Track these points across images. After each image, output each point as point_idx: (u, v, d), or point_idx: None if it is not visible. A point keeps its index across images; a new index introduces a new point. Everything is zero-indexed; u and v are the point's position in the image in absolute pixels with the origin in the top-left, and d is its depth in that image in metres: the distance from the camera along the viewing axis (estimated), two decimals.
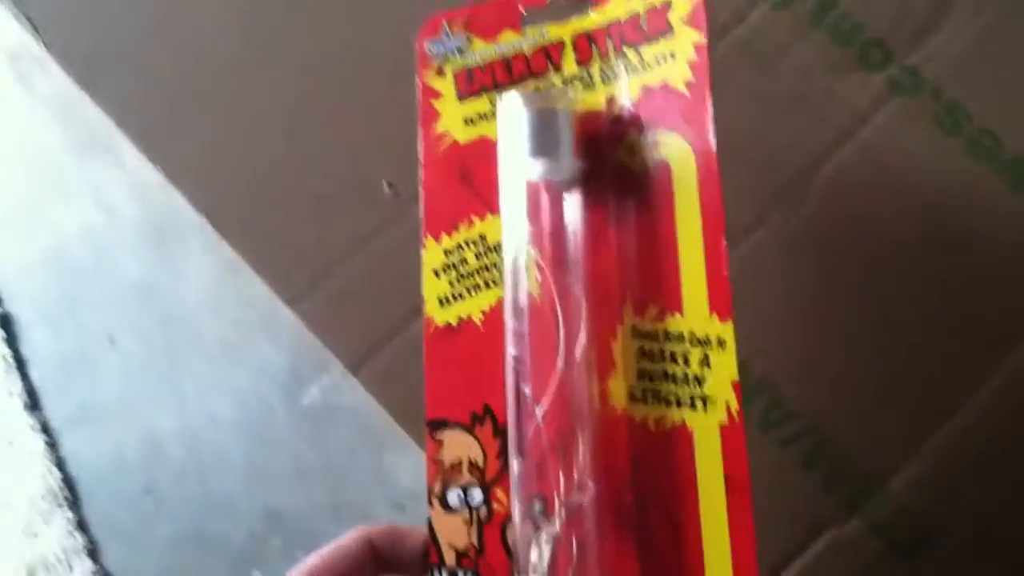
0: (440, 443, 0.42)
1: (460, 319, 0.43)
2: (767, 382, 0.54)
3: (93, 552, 0.83)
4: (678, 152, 0.41)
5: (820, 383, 0.55)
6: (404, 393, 0.53)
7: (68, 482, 0.85)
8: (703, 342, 0.39)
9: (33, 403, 0.87)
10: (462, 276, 0.43)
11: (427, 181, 0.45)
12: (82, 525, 0.84)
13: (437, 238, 0.44)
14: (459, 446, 0.42)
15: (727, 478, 0.38)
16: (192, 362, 0.88)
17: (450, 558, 0.41)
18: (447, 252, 0.43)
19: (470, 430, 0.41)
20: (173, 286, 0.90)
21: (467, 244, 0.43)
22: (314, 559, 0.41)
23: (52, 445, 0.86)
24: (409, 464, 0.82)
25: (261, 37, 0.61)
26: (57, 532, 0.83)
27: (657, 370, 0.40)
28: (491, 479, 0.41)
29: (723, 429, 0.38)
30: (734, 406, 0.38)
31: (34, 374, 0.89)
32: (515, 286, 0.40)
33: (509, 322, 0.41)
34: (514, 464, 0.39)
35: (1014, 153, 0.57)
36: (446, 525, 0.41)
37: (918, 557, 0.53)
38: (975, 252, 0.56)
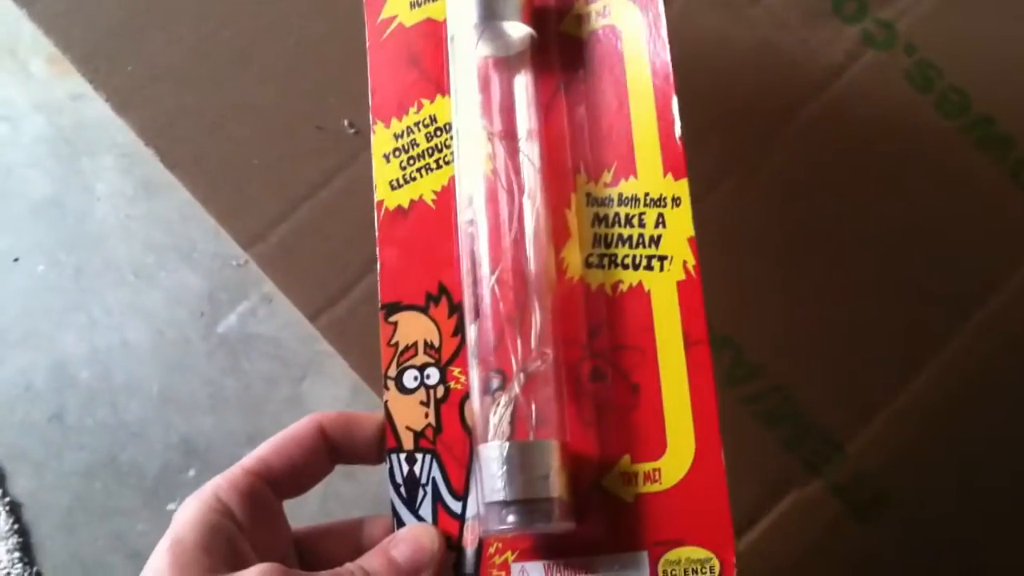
0: (394, 326, 0.41)
1: (412, 201, 0.42)
2: (731, 338, 0.54)
3: (0, 479, 0.80)
4: (626, 17, 0.41)
5: (782, 340, 0.55)
6: (363, 343, 0.52)
7: None
8: (657, 202, 0.39)
9: None
10: (412, 159, 0.42)
11: (373, 67, 0.44)
12: None
13: (387, 123, 0.43)
14: (414, 328, 0.41)
15: (685, 334, 0.38)
16: (102, 285, 0.85)
17: (408, 441, 0.40)
18: (396, 136, 0.43)
19: (424, 311, 0.41)
20: (82, 204, 0.86)
21: (417, 127, 0.42)
22: (264, 448, 0.39)
23: None
24: (327, 393, 0.82)
25: None
26: None
27: (612, 234, 0.40)
28: (447, 358, 0.40)
29: (680, 285, 0.38)
30: (691, 262, 0.38)
31: None
32: (468, 157, 0.40)
33: (461, 189, 0.40)
34: (470, 331, 0.39)
35: (982, 111, 0.57)
36: (402, 407, 0.41)
37: (876, 519, 0.54)
38: (939, 211, 0.56)
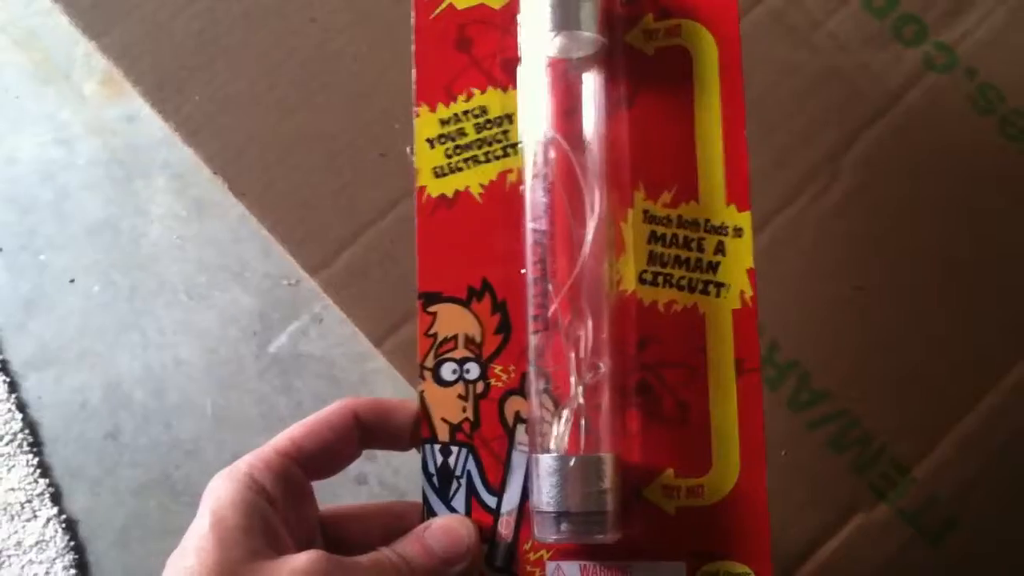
0: (433, 316, 0.41)
1: (457, 191, 0.41)
2: (797, 363, 0.54)
3: (56, 497, 0.82)
4: (699, 40, 0.40)
5: (848, 365, 0.55)
6: None
7: (31, 426, 0.83)
8: (719, 230, 0.39)
9: None
10: (459, 148, 0.42)
11: (419, 47, 0.43)
12: (45, 470, 0.82)
13: (432, 107, 0.42)
14: (454, 320, 0.41)
15: (738, 361, 0.39)
16: (156, 305, 0.86)
17: (443, 432, 0.40)
18: (443, 122, 0.42)
19: (466, 304, 0.41)
20: (137, 225, 0.87)
21: (466, 115, 0.42)
22: (297, 429, 0.40)
23: (13, 388, 0.83)
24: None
25: None
26: (20, 477, 0.81)
27: (669, 254, 0.40)
28: (489, 355, 0.41)
29: (736, 314, 0.39)
30: (748, 293, 0.39)
31: None
32: (535, 162, 0.40)
33: (528, 194, 0.40)
34: (533, 340, 0.39)
35: None
36: (439, 399, 0.41)
37: (943, 544, 0.54)
38: (1008, 235, 0.56)
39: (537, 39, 0.40)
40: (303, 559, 0.34)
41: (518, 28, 0.41)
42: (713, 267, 0.39)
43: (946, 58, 0.57)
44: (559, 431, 0.38)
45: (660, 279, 0.40)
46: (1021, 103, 0.57)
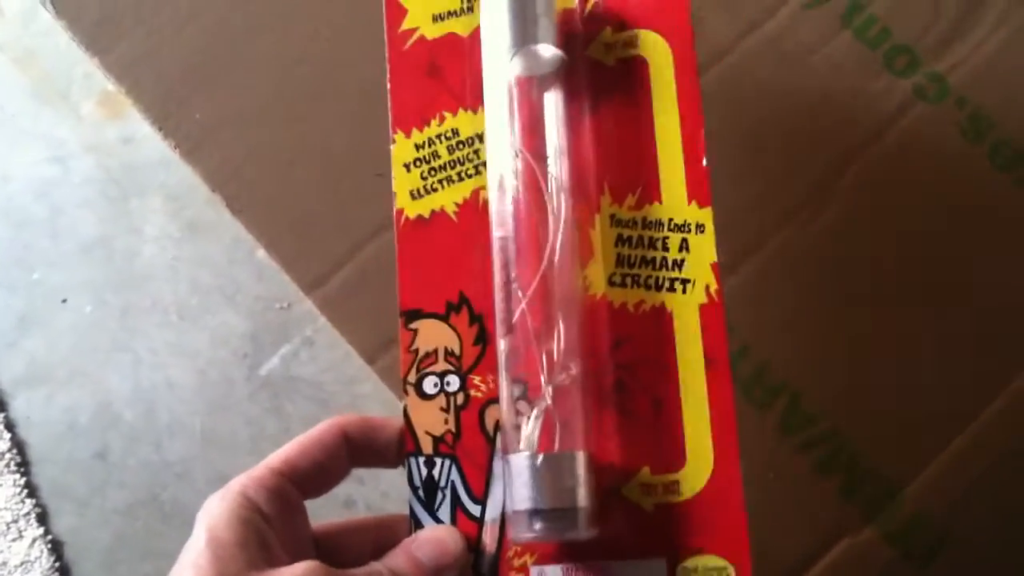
0: (414, 332, 0.42)
1: (433, 211, 0.43)
2: (787, 385, 0.55)
3: (43, 517, 0.81)
4: (654, 48, 0.42)
5: (839, 388, 0.55)
6: None
7: (19, 446, 0.82)
8: (682, 227, 0.41)
9: None
10: (434, 170, 0.43)
11: (393, 77, 0.44)
12: (32, 490, 0.82)
13: (407, 133, 0.44)
14: (434, 335, 0.42)
15: (707, 356, 0.40)
16: (148, 325, 0.86)
17: (427, 445, 0.41)
18: (418, 146, 0.43)
19: (445, 319, 0.42)
20: (130, 245, 0.88)
21: (439, 138, 0.43)
22: (289, 448, 0.40)
23: (2, 407, 0.83)
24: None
25: (285, 11, 0.59)
26: (7, 497, 0.80)
27: (636, 256, 0.41)
28: (468, 366, 0.41)
29: (702, 308, 0.40)
30: (713, 287, 0.40)
31: None
32: (499, 174, 0.41)
33: (494, 205, 0.41)
34: (501, 344, 0.40)
35: None
36: (421, 412, 0.41)
37: (931, 566, 0.54)
38: (997, 261, 0.57)
39: (499, 58, 0.41)
40: (299, 569, 0.34)
41: (474, 44, 0.43)
42: (678, 264, 0.40)
43: (937, 88, 0.58)
44: (528, 431, 0.38)
45: (628, 280, 0.41)
46: (1010, 132, 0.58)
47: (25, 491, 0.81)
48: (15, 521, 0.80)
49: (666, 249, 0.40)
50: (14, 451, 0.82)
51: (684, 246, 0.40)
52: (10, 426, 0.83)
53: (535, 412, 0.38)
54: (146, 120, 0.57)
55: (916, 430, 0.55)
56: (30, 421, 0.83)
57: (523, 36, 0.40)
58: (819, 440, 0.55)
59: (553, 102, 0.42)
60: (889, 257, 0.57)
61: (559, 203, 0.40)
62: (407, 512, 0.41)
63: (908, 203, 0.57)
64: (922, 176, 0.58)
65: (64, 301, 0.86)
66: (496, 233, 0.41)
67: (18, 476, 0.81)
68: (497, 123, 0.42)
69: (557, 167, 0.40)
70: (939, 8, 0.59)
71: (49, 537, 0.81)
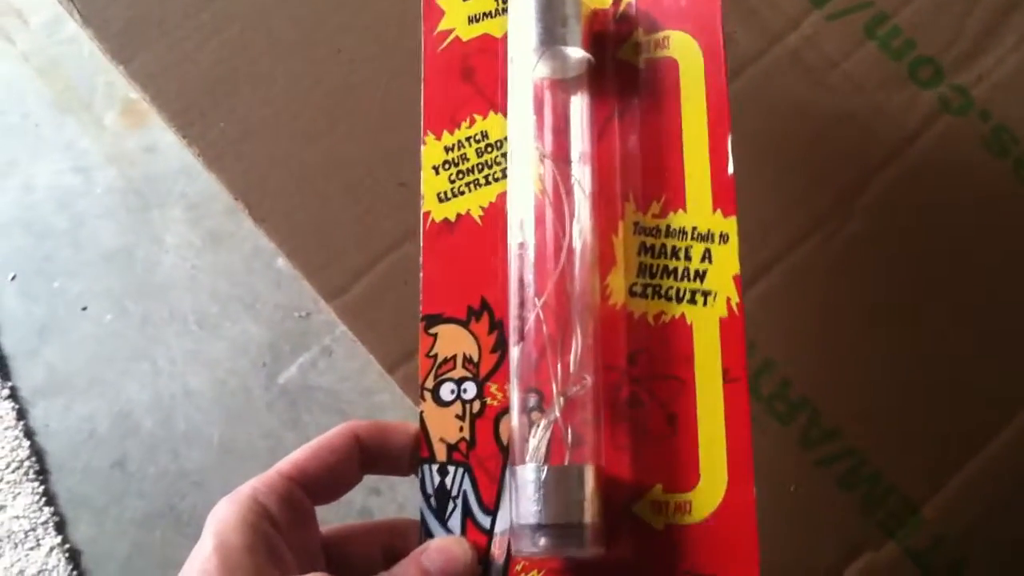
0: (434, 338, 0.41)
1: (459, 215, 0.42)
2: (808, 400, 0.54)
3: (60, 526, 0.81)
4: (685, 50, 0.41)
5: (859, 404, 0.55)
6: None
7: (37, 454, 0.83)
8: (705, 237, 0.39)
9: (3, 370, 0.85)
10: (462, 173, 0.42)
11: (428, 79, 0.44)
12: (50, 498, 0.82)
13: (438, 135, 0.43)
14: (454, 341, 0.41)
15: (725, 371, 0.38)
16: (167, 334, 0.86)
17: (441, 452, 0.40)
18: (447, 149, 0.43)
19: (465, 325, 0.41)
20: (151, 254, 0.88)
21: (468, 141, 0.43)
22: (300, 453, 0.40)
23: (21, 415, 0.83)
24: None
25: (308, 23, 0.59)
26: (25, 505, 0.80)
27: (657, 265, 0.40)
28: (485, 374, 0.40)
29: (723, 322, 0.38)
30: (734, 300, 0.38)
31: (4, 340, 0.86)
32: (520, 178, 0.40)
33: (512, 212, 0.40)
34: (514, 352, 0.39)
35: None
36: (437, 419, 0.41)
37: None
38: (1020, 277, 0.56)
39: (525, 60, 0.41)
40: None
41: (505, 46, 0.42)
42: (700, 275, 0.39)
43: (961, 100, 0.58)
44: (536, 442, 0.37)
45: (649, 290, 0.40)
46: None
47: (43, 500, 0.81)
48: (33, 529, 0.80)
49: (688, 259, 0.39)
50: (33, 459, 0.82)
51: (707, 256, 0.39)
52: (29, 434, 0.83)
53: (544, 423, 0.37)
54: (170, 128, 0.57)
55: (937, 447, 0.54)
56: (49, 430, 0.84)
57: (550, 37, 0.40)
58: (840, 455, 0.54)
59: (579, 105, 0.41)
60: (912, 272, 0.57)
61: (581, 209, 0.39)
62: (418, 519, 0.40)
63: (931, 217, 0.57)
64: (946, 190, 0.57)
65: (84, 309, 0.86)
66: (513, 239, 0.40)
67: (36, 484, 0.81)
68: (519, 126, 0.41)
69: (580, 172, 0.40)
70: (964, 21, 0.59)
71: (67, 546, 0.81)
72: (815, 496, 0.54)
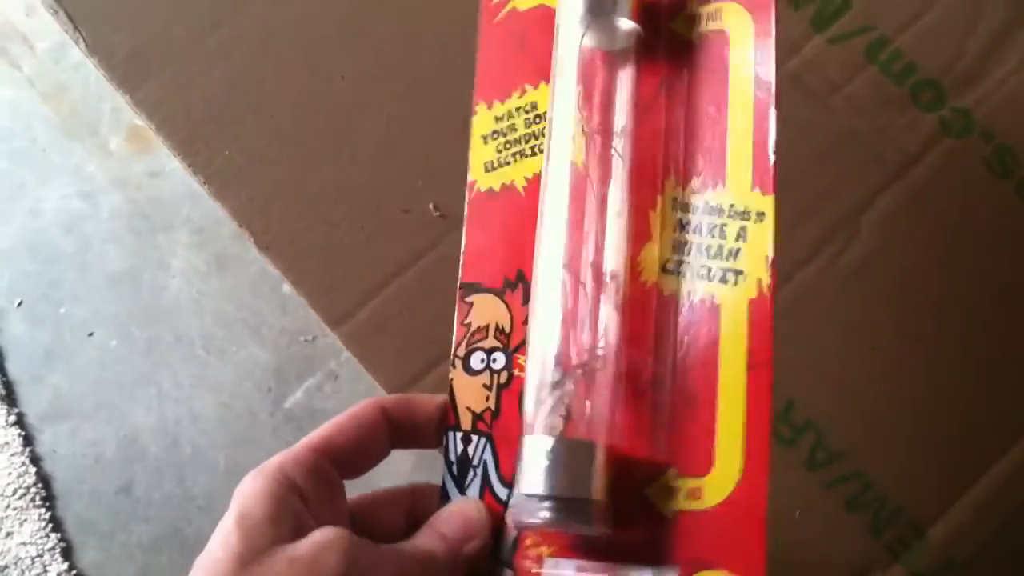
0: (470, 306, 0.41)
1: (503, 185, 0.42)
2: (813, 422, 0.54)
3: (67, 552, 0.81)
4: (737, 23, 0.40)
5: (865, 426, 0.55)
6: None
7: (44, 480, 0.83)
8: (742, 214, 0.38)
9: (9, 396, 0.85)
10: (509, 143, 0.42)
11: (483, 49, 0.43)
12: (57, 524, 0.82)
13: (489, 104, 0.43)
14: (488, 310, 0.41)
15: (749, 354, 0.37)
16: (173, 359, 0.86)
17: (466, 421, 0.40)
18: (497, 119, 0.43)
19: (501, 295, 0.41)
20: (157, 279, 0.88)
21: (518, 112, 0.42)
22: (328, 427, 0.39)
23: (28, 441, 0.83)
24: (389, 468, 0.82)
25: (312, 50, 0.59)
26: (32, 531, 0.80)
27: (692, 242, 0.39)
28: (516, 345, 0.40)
29: (752, 303, 0.37)
30: (766, 281, 0.37)
31: (11, 366, 0.86)
32: (560, 149, 0.39)
33: (548, 177, 0.39)
34: (533, 320, 0.38)
35: None
36: (465, 387, 0.41)
37: None
38: (1023, 297, 0.56)
39: (574, 29, 0.40)
40: (319, 535, 0.34)
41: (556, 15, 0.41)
42: (733, 254, 0.38)
43: (963, 123, 0.58)
44: (546, 411, 0.37)
45: (682, 268, 0.39)
46: None
47: (50, 526, 0.81)
48: (40, 556, 0.80)
49: (723, 236, 0.38)
50: (39, 485, 0.82)
51: (742, 234, 0.38)
52: (36, 460, 0.83)
53: (557, 394, 0.37)
54: (175, 156, 0.58)
55: (944, 470, 0.54)
56: (56, 455, 0.84)
57: (598, 7, 0.39)
58: (846, 478, 0.54)
59: (626, 79, 0.40)
60: (916, 294, 0.56)
61: (618, 183, 0.39)
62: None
63: (935, 240, 0.57)
64: (949, 212, 0.57)
65: (91, 335, 0.86)
66: (553, 212, 0.39)
67: (43, 510, 0.81)
68: (562, 97, 0.40)
69: (621, 145, 0.39)
70: (965, 42, 0.59)
71: (74, 572, 0.81)
72: (821, 519, 0.54)
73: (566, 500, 0.35)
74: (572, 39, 0.40)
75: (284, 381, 0.85)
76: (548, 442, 0.36)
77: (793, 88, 0.58)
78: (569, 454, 0.36)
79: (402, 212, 0.58)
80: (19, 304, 0.88)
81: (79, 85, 0.93)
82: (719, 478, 0.37)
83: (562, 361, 0.37)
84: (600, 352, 0.37)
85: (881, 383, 0.56)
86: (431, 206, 0.57)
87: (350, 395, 0.84)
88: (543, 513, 0.35)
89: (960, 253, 0.57)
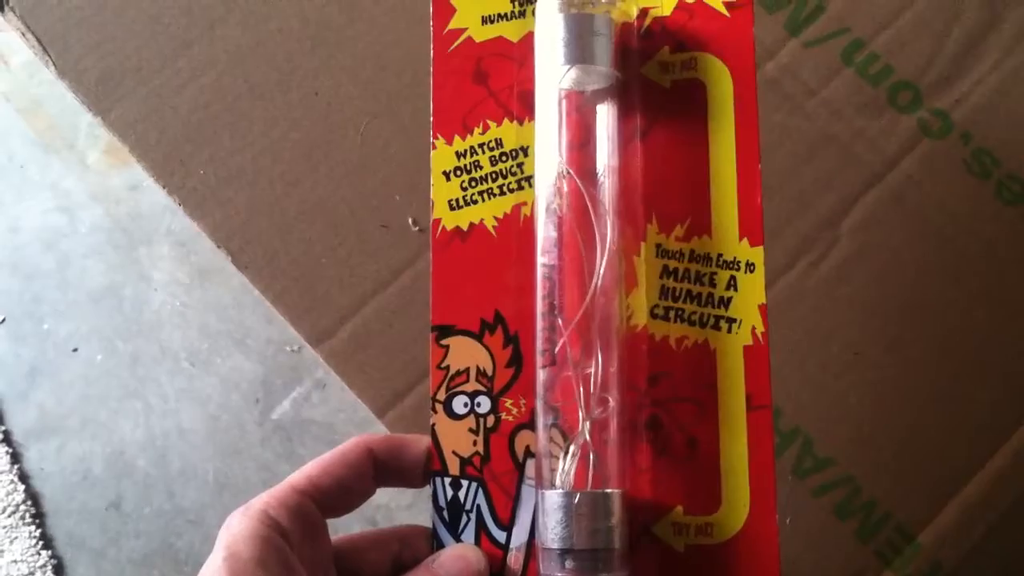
0: (445, 349, 0.41)
1: (471, 224, 0.41)
2: (799, 430, 0.54)
3: (59, 569, 0.81)
4: (714, 73, 0.40)
5: (851, 431, 0.55)
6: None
7: (33, 497, 0.82)
8: (731, 265, 0.39)
9: None
10: (475, 180, 0.41)
11: (437, 79, 0.42)
12: (47, 542, 0.81)
13: (448, 139, 0.42)
14: (467, 353, 0.41)
15: (749, 397, 0.38)
16: (158, 372, 0.86)
17: (453, 466, 0.40)
18: (459, 154, 0.42)
19: (479, 338, 0.41)
20: (139, 293, 0.88)
21: (481, 148, 0.42)
22: (312, 467, 0.40)
23: (15, 459, 0.83)
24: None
25: (285, 67, 0.59)
26: (23, 549, 0.80)
27: (681, 289, 0.39)
28: (500, 388, 0.40)
29: (747, 350, 0.39)
30: (760, 328, 0.39)
31: None
32: (548, 195, 0.40)
33: (540, 229, 0.40)
34: (541, 375, 0.39)
35: None
36: (450, 432, 0.40)
37: None
38: (1007, 298, 0.57)
39: (551, 72, 0.40)
40: None
41: (534, 61, 0.41)
42: (725, 302, 0.39)
43: (941, 124, 0.58)
44: (566, 466, 0.38)
45: (671, 314, 0.39)
46: (1016, 167, 0.57)
47: (40, 543, 0.81)
48: (31, 573, 0.80)
49: (713, 285, 0.39)
50: (28, 503, 0.82)
51: (732, 284, 0.39)
52: (24, 478, 0.83)
53: (572, 448, 0.37)
54: (150, 176, 0.57)
55: (931, 473, 0.54)
56: (44, 472, 0.83)
57: (579, 54, 0.39)
58: (834, 484, 0.54)
59: (605, 120, 0.40)
60: (899, 297, 0.57)
61: (606, 228, 0.39)
62: (428, 526, 0.41)
63: (916, 242, 0.57)
64: (929, 213, 0.57)
65: (75, 350, 0.86)
66: (540, 259, 0.40)
67: (33, 528, 0.81)
68: (545, 139, 0.40)
69: (605, 188, 0.39)
70: (941, 44, 0.59)
71: None
72: (811, 526, 0.54)
73: (591, 552, 0.36)
74: (551, 82, 0.40)
75: (271, 391, 0.85)
76: (568, 496, 0.37)
77: (769, 92, 0.58)
78: (591, 507, 0.37)
79: (380, 227, 0.57)
80: (2, 321, 0.87)
81: (55, 100, 0.92)
82: (728, 515, 0.38)
83: (568, 412, 0.38)
84: (603, 400, 0.38)
85: (866, 388, 0.56)
86: (410, 220, 0.57)
87: (338, 404, 0.84)
88: (568, 565, 0.36)
89: (941, 256, 0.57)
